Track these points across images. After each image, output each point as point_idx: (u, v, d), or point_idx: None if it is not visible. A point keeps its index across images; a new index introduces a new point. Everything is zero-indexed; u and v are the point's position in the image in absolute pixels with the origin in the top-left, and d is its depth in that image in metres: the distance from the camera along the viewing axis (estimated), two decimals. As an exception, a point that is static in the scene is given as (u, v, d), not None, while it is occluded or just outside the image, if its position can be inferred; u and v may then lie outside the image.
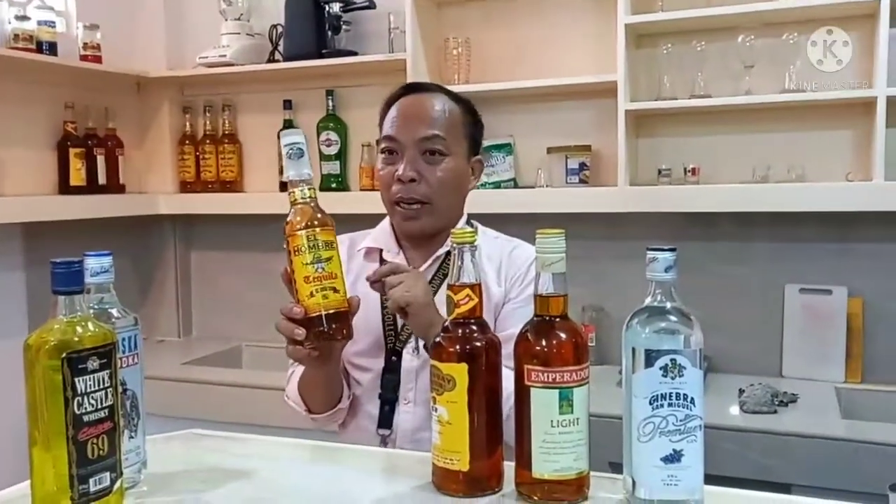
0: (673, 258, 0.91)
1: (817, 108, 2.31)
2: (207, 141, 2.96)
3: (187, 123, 3.00)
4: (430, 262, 1.49)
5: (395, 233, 1.54)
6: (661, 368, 0.89)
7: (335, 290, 1.12)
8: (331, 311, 1.12)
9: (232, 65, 2.78)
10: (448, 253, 1.43)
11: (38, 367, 0.87)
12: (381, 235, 1.55)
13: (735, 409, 2.04)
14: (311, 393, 1.45)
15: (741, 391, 2.11)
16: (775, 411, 2.01)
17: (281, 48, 2.80)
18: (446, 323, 1.01)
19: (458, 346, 0.98)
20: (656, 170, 2.40)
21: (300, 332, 1.13)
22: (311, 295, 1.11)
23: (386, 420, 1.46)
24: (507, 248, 1.51)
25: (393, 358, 1.46)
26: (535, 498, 0.95)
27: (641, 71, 2.46)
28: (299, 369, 1.46)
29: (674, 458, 0.90)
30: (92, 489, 0.89)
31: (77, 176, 2.62)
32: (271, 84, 2.89)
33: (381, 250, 1.53)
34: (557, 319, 0.96)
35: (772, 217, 2.35)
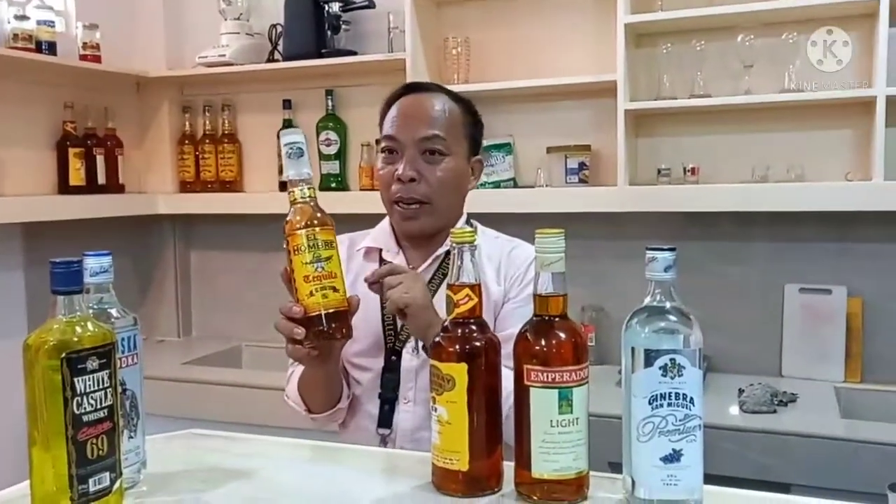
0: (672, 258, 0.91)
1: (817, 108, 2.31)
2: (207, 141, 2.96)
3: (187, 123, 3.00)
4: (429, 261, 1.49)
5: (394, 233, 1.54)
6: (660, 368, 0.89)
7: (335, 290, 1.12)
8: (330, 311, 1.12)
9: (231, 64, 2.78)
10: (448, 253, 1.43)
11: (38, 367, 0.87)
12: (380, 235, 1.55)
13: (734, 409, 2.04)
14: (310, 393, 1.45)
15: (741, 391, 2.11)
16: (775, 411, 2.01)
17: (280, 48, 2.80)
18: (446, 323, 1.01)
19: (457, 346, 0.98)
20: (656, 169, 2.40)
21: (300, 332, 1.13)
22: (311, 294, 1.11)
23: (386, 419, 1.46)
24: (506, 248, 1.52)
25: (392, 357, 1.46)
26: (535, 498, 0.95)
27: (641, 70, 2.46)
28: (299, 369, 1.46)
29: (673, 457, 0.90)
30: (91, 489, 0.89)
31: (76, 176, 2.62)
32: (271, 84, 2.89)
33: (380, 250, 1.53)
34: (557, 319, 0.96)
35: (771, 217, 2.35)
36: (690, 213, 2.39)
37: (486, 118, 1.57)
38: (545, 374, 0.93)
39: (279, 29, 2.80)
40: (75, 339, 0.87)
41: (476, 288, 1.00)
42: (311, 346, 1.20)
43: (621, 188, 2.33)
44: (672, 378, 0.89)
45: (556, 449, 0.93)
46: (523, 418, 0.95)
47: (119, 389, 0.94)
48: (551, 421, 0.93)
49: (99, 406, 0.89)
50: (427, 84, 1.60)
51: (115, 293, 1.00)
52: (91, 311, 0.94)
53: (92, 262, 0.96)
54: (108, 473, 0.90)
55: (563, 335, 0.95)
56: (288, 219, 1.12)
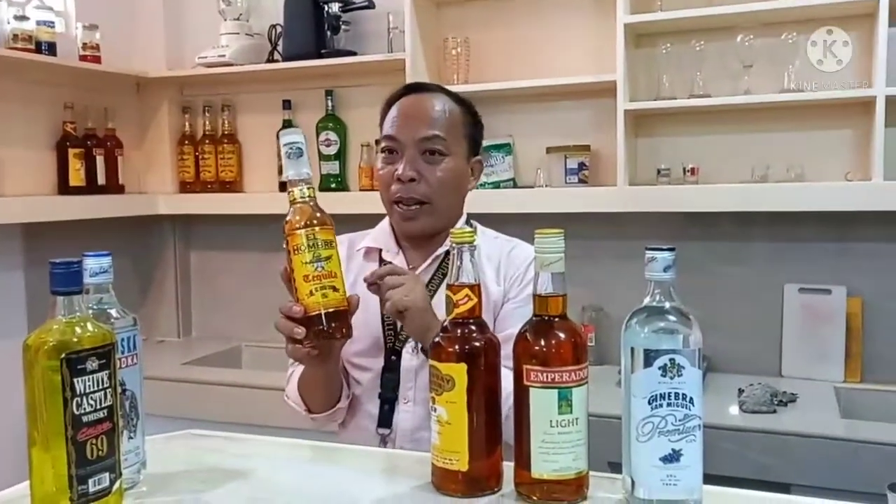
0: (672, 258, 0.91)
1: (816, 108, 2.31)
2: (207, 141, 2.96)
3: (186, 123, 3.00)
4: (429, 261, 1.49)
5: (394, 233, 1.54)
6: (659, 368, 0.89)
7: (335, 289, 1.12)
8: (330, 310, 1.12)
9: (231, 65, 2.78)
10: (447, 253, 1.43)
11: (37, 368, 0.87)
12: (380, 235, 1.55)
13: (734, 409, 2.04)
14: (310, 392, 1.46)
15: (740, 391, 2.11)
16: (774, 411, 2.01)
17: (280, 48, 2.80)
18: (445, 323, 1.01)
19: (457, 347, 0.98)
20: (655, 169, 2.40)
21: (300, 331, 1.13)
22: (311, 294, 1.11)
23: (385, 419, 1.46)
24: (506, 248, 1.52)
25: (392, 357, 1.46)
26: (535, 498, 0.95)
27: (640, 71, 2.46)
28: (299, 369, 1.46)
29: (673, 457, 0.90)
30: (91, 489, 0.89)
31: (76, 176, 2.62)
32: (270, 84, 2.89)
33: (380, 250, 1.53)
34: (556, 319, 0.96)
35: (771, 217, 2.36)
36: (690, 213, 2.39)
37: (486, 118, 1.57)
38: (545, 375, 0.93)
39: (279, 29, 2.80)
40: (75, 339, 0.87)
41: (475, 288, 1.00)
42: (310, 346, 1.20)
43: (621, 188, 2.33)
44: (671, 378, 0.89)
45: (556, 449, 0.93)
46: (523, 418, 0.95)
47: (119, 390, 0.94)
48: (551, 421, 0.93)
49: (98, 406, 0.89)
50: (427, 84, 1.60)
51: (114, 293, 1.00)
52: (91, 311, 0.94)
53: (91, 263, 0.96)
54: (107, 474, 0.90)
55: (562, 335, 0.95)
56: (287, 218, 1.12)
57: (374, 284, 1.30)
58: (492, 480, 1.00)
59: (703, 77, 2.36)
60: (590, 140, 2.50)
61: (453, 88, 1.65)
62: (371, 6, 2.68)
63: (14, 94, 2.51)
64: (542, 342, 0.95)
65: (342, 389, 1.47)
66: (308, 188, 1.13)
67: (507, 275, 1.48)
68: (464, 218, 1.54)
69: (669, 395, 0.89)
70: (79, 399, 0.87)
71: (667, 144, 2.48)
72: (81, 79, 2.68)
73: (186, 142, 2.99)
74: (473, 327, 1.00)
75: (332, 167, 2.78)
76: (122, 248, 2.88)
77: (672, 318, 0.91)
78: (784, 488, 1.82)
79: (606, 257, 2.51)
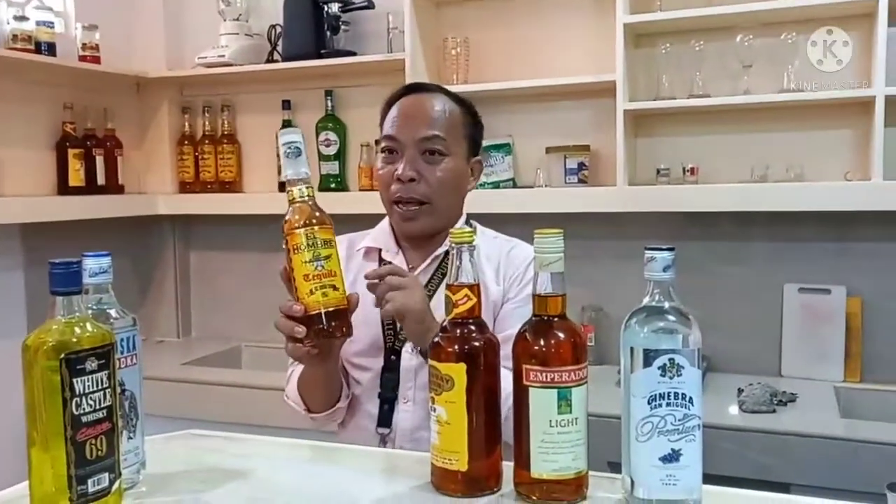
0: (671, 258, 0.91)
1: (816, 108, 2.31)
2: (206, 141, 2.96)
3: (186, 124, 3.00)
4: (428, 261, 1.49)
5: (394, 233, 1.54)
6: (659, 368, 0.89)
7: (334, 288, 1.12)
8: (330, 309, 1.12)
9: (231, 65, 2.78)
10: (447, 253, 1.43)
11: (37, 368, 0.87)
12: (380, 235, 1.55)
13: (734, 409, 2.04)
14: (310, 392, 1.46)
15: (740, 391, 2.11)
16: (774, 411, 2.01)
17: (280, 48, 2.80)
18: (445, 323, 1.01)
19: (456, 346, 0.98)
20: (655, 169, 2.40)
21: (300, 330, 1.13)
22: (311, 293, 1.11)
23: (385, 419, 1.46)
24: (505, 248, 1.52)
25: (392, 357, 1.46)
26: (534, 498, 0.95)
27: (640, 71, 2.46)
28: (298, 369, 1.46)
29: (672, 457, 0.90)
30: (90, 490, 0.89)
31: (76, 176, 2.62)
32: (270, 84, 2.89)
33: (379, 250, 1.53)
34: (556, 319, 0.96)
35: (770, 217, 2.36)
36: (690, 213, 2.39)
37: (486, 118, 1.57)
38: (544, 374, 0.93)
39: (278, 29, 2.80)
40: (74, 339, 0.87)
41: (475, 288, 1.00)
42: (310, 345, 1.20)
43: (620, 188, 2.33)
44: (671, 378, 0.89)
45: (556, 449, 0.93)
46: (522, 418, 0.95)
47: (118, 390, 0.94)
48: (550, 421, 0.93)
49: (98, 407, 0.89)
50: (427, 85, 1.60)
51: (114, 294, 1.00)
52: (90, 311, 0.94)
53: (91, 263, 0.96)
54: (107, 474, 0.90)
55: (562, 335, 0.95)
56: (287, 218, 1.12)
57: (375, 282, 1.30)
58: (491, 480, 1.00)
59: (703, 77, 2.36)
60: (589, 140, 2.50)
61: (453, 88, 1.65)
62: (370, 6, 2.68)
63: (14, 95, 2.51)
64: (542, 342, 0.95)
65: (342, 389, 1.47)
66: (307, 188, 1.13)
67: (506, 275, 1.48)
68: (463, 218, 1.55)
69: (669, 395, 0.89)
70: (78, 399, 0.87)
71: (666, 144, 2.48)
72: (81, 79, 2.68)
73: (186, 142, 2.99)
74: (473, 327, 1.00)
75: (332, 167, 2.78)
76: (121, 248, 2.88)
77: (671, 317, 0.91)
78: (784, 488, 1.82)
79: (606, 257, 2.51)
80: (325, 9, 2.68)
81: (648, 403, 0.90)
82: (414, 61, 2.51)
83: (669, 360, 0.89)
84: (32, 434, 0.88)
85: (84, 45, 2.64)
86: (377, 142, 1.54)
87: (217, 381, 2.52)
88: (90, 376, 0.88)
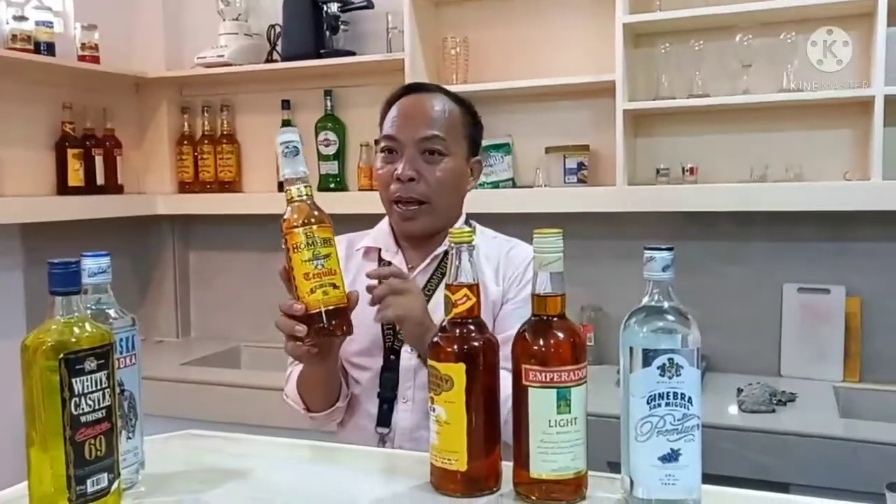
0: (670, 257, 0.91)
1: (815, 108, 2.31)
2: (206, 141, 2.96)
3: (185, 124, 3.00)
4: (428, 261, 1.49)
5: (393, 232, 1.54)
6: (658, 368, 0.89)
7: (335, 286, 1.12)
8: (330, 307, 1.12)
9: (230, 65, 2.78)
10: (446, 252, 1.43)
11: (36, 368, 0.87)
12: (379, 235, 1.55)
13: (733, 409, 2.04)
14: (310, 391, 1.46)
15: (739, 390, 2.11)
16: (773, 410, 2.01)
17: (279, 48, 2.80)
18: (444, 323, 1.01)
19: (455, 346, 0.98)
20: (654, 169, 2.40)
21: (301, 329, 1.13)
22: (312, 291, 1.11)
23: (385, 418, 1.46)
24: (504, 248, 1.52)
25: (391, 357, 1.46)
26: (533, 498, 0.95)
27: (639, 70, 2.46)
28: (297, 368, 1.46)
29: (671, 457, 0.90)
30: (89, 490, 0.89)
31: (75, 176, 2.62)
32: (269, 84, 2.89)
33: (379, 250, 1.53)
34: (555, 319, 0.96)
35: (770, 216, 2.36)
36: (689, 212, 2.39)
37: (485, 118, 1.57)
38: (543, 374, 0.93)
39: (278, 29, 2.80)
40: (73, 339, 0.87)
41: (474, 288, 1.00)
42: (311, 344, 1.20)
43: (620, 188, 2.33)
44: (670, 378, 0.89)
45: (555, 449, 0.93)
46: (522, 418, 0.95)
47: (117, 390, 0.94)
48: (549, 421, 0.93)
49: (97, 407, 0.89)
50: (427, 85, 1.61)
51: (113, 294, 1.00)
52: (89, 311, 0.94)
53: (90, 263, 0.96)
54: (106, 474, 0.90)
55: (561, 335, 0.95)
56: (285, 217, 1.12)
57: (375, 283, 1.30)
58: (490, 480, 1.00)
59: (702, 77, 2.36)
60: (589, 140, 2.50)
61: (452, 88, 1.65)
62: (370, 6, 2.68)
63: (13, 95, 2.51)
64: (541, 342, 0.95)
65: (341, 389, 1.47)
66: (305, 186, 1.13)
67: (506, 275, 1.48)
68: (463, 218, 1.55)
69: (668, 395, 0.89)
70: (77, 399, 0.87)
71: (666, 144, 2.48)
72: (80, 79, 2.68)
73: (185, 142, 2.98)
74: (472, 327, 1.00)
75: (331, 167, 2.78)
76: (120, 248, 2.88)
77: (671, 317, 0.91)
78: (783, 488, 1.83)
79: (605, 257, 2.51)
80: (325, 8, 2.68)
81: (648, 403, 0.90)
82: (413, 61, 2.51)
83: (668, 359, 0.89)
84: (31, 434, 0.88)
85: (83, 44, 2.64)
86: (377, 142, 1.54)
87: (216, 381, 2.52)
88: (89, 376, 0.88)
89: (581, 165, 2.46)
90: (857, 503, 1.03)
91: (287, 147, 1.13)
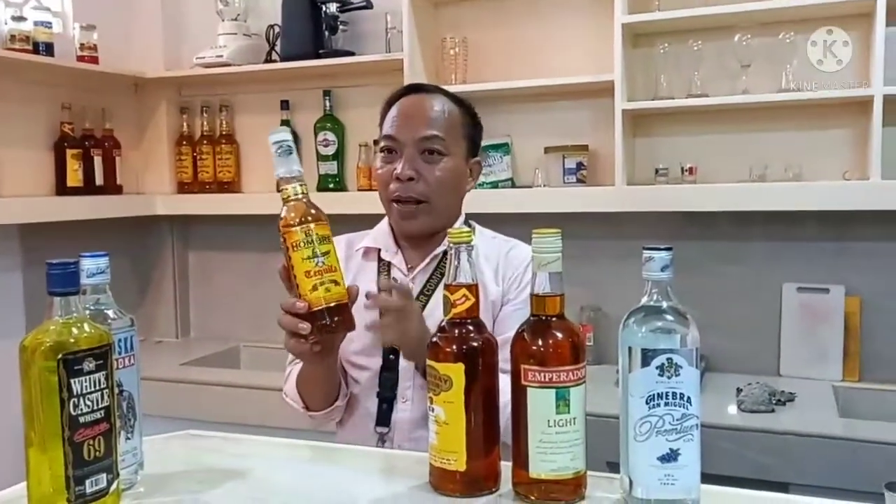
0: (669, 257, 0.91)
1: (814, 108, 2.31)
2: (205, 141, 2.96)
3: (184, 124, 3.00)
4: (427, 261, 1.49)
5: (393, 233, 1.54)
6: (657, 368, 0.89)
7: (335, 283, 1.12)
8: (332, 304, 1.12)
9: (229, 65, 2.78)
10: (445, 252, 1.43)
11: (34, 369, 0.87)
12: (379, 235, 1.56)
13: (733, 408, 2.04)
14: (309, 389, 1.46)
15: (739, 390, 2.11)
16: (773, 410, 2.01)
17: (278, 48, 2.80)
18: (443, 323, 1.01)
19: (454, 346, 0.98)
20: (653, 169, 2.40)
21: (305, 327, 1.13)
22: (314, 289, 1.11)
23: (384, 418, 1.46)
24: (504, 249, 1.52)
25: (391, 356, 1.46)
26: (532, 498, 0.95)
27: (638, 70, 2.46)
28: (297, 367, 1.46)
29: (670, 457, 0.90)
30: (88, 490, 0.89)
31: (74, 177, 2.62)
32: (268, 84, 2.89)
33: (378, 250, 1.53)
34: (554, 319, 0.96)
35: (769, 216, 2.36)
36: (688, 212, 2.39)
37: (484, 118, 1.57)
38: (542, 374, 0.93)
39: (277, 29, 2.80)
40: (72, 340, 0.87)
41: (473, 288, 1.00)
42: (314, 341, 1.20)
43: (619, 188, 2.33)
44: (669, 378, 0.89)
45: (554, 449, 0.93)
46: (521, 418, 0.95)
47: (116, 390, 0.94)
48: (548, 421, 0.93)
49: (96, 407, 0.89)
50: (427, 85, 1.61)
51: (112, 294, 0.99)
52: (88, 312, 0.94)
53: (88, 264, 0.96)
54: (104, 475, 0.90)
55: (560, 335, 0.95)
56: (282, 216, 1.12)
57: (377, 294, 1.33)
58: (490, 480, 1.00)
59: (701, 77, 2.36)
60: (588, 140, 2.50)
61: (451, 88, 1.66)
62: (369, 6, 2.68)
63: (12, 95, 2.51)
64: (540, 342, 0.95)
65: (340, 387, 1.47)
66: (301, 185, 1.13)
67: (505, 275, 1.49)
68: (462, 218, 1.55)
69: (667, 395, 0.89)
70: (76, 400, 0.87)
71: (665, 144, 2.48)
72: (79, 79, 2.68)
73: (184, 142, 2.98)
74: (471, 327, 1.00)
75: (331, 167, 2.78)
76: (120, 248, 2.88)
77: (669, 317, 0.91)
78: (782, 488, 1.83)
79: (604, 257, 2.51)
80: (324, 9, 2.67)
81: (647, 403, 0.90)
82: (412, 61, 2.51)
83: (667, 359, 0.89)
84: (30, 435, 0.88)
85: (82, 45, 2.63)
86: (376, 142, 1.54)
87: (216, 381, 2.52)
88: (88, 377, 0.88)
89: (580, 165, 2.46)
90: (856, 503, 1.03)
91: (280, 147, 1.13)
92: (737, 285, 2.43)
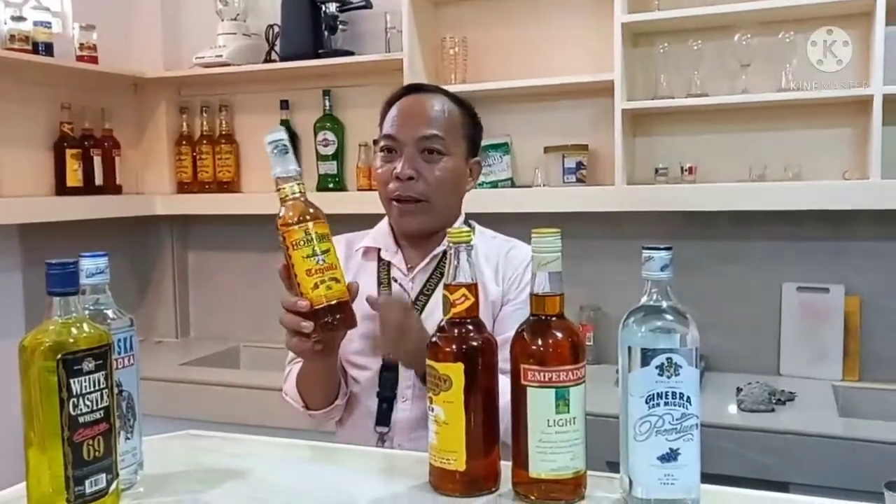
0: (668, 257, 0.91)
1: (814, 107, 2.31)
2: (204, 141, 2.96)
3: (184, 124, 3.00)
4: (427, 260, 1.49)
5: (393, 232, 1.54)
6: (657, 367, 0.89)
7: (336, 281, 1.12)
8: (333, 302, 1.12)
9: (228, 65, 2.78)
10: (445, 252, 1.42)
11: (34, 369, 0.86)
12: (379, 235, 1.56)
13: (733, 408, 2.04)
14: (310, 388, 1.46)
15: (739, 390, 2.11)
16: (773, 410, 2.01)
17: (277, 48, 2.80)
18: (442, 323, 1.01)
19: (454, 346, 0.98)
20: (653, 169, 2.40)
21: (308, 325, 1.13)
22: (315, 287, 1.11)
23: (384, 417, 1.46)
24: (504, 248, 1.52)
25: (391, 356, 1.46)
26: (532, 498, 0.95)
27: (638, 70, 2.46)
28: (297, 367, 1.46)
29: (670, 456, 0.90)
30: (88, 490, 0.89)
31: (74, 177, 2.62)
32: (268, 84, 2.89)
33: (378, 249, 1.54)
34: (553, 319, 0.96)
35: (769, 216, 2.35)
36: (688, 212, 2.39)
37: (484, 118, 1.57)
38: (542, 374, 0.93)
39: (276, 29, 2.80)
40: (71, 340, 0.87)
41: (473, 288, 1.00)
42: (316, 339, 1.20)
43: (619, 188, 2.33)
44: (669, 377, 0.89)
45: (554, 449, 0.93)
46: (520, 418, 0.95)
47: (115, 391, 0.94)
48: (548, 420, 0.93)
49: (95, 407, 0.89)
50: (427, 85, 1.61)
51: (112, 294, 0.99)
52: (87, 312, 0.94)
53: (88, 264, 0.96)
54: (104, 475, 0.90)
55: (559, 335, 0.95)
56: (281, 215, 1.12)
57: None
58: (489, 480, 1.00)
59: (701, 76, 2.36)
60: (588, 139, 2.50)
61: (451, 88, 1.66)
62: (368, 6, 2.68)
63: (11, 95, 2.51)
64: (540, 342, 0.95)
65: (340, 386, 1.47)
66: (298, 184, 1.13)
67: (505, 275, 1.49)
68: (462, 218, 1.55)
69: (667, 395, 0.89)
70: (75, 400, 0.87)
71: (664, 144, 2.48)
72: (78, 79, 2.68)
73: (184, 142, 2.98)
74: (470, 327, 0.99)
75: (330, 167, 2.78)
76: (119, 248, 2.88)
77: (669, 317, 0.91)
78: (782, 487, 1.83)
79: (604, 257, 2.51)
80: (323, 8, 2.67)
81: (646, 403, 0.90)
82: (412, 61, 2.51)
83: (667, 359, 0.89)
84: (30, 435, 0.88)
85: (81, 45, 2.63)
86: (376, 141, 1.54)
87: (215, 381, 2.52)
88: (87, 377, 0.88)
89: (580, 165, 2.46)
90: (856, 502, 1.03)
91: (276, 146, 1.13)
92: (737, 285, 2.43)
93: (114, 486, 0.92)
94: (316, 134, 2.78)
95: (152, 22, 2.97)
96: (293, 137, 2.82)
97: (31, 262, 2.59)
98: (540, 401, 0.93)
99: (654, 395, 0.89)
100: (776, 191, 2.24)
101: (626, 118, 2.35)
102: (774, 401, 2.05)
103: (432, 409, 0.99)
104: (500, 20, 2.61)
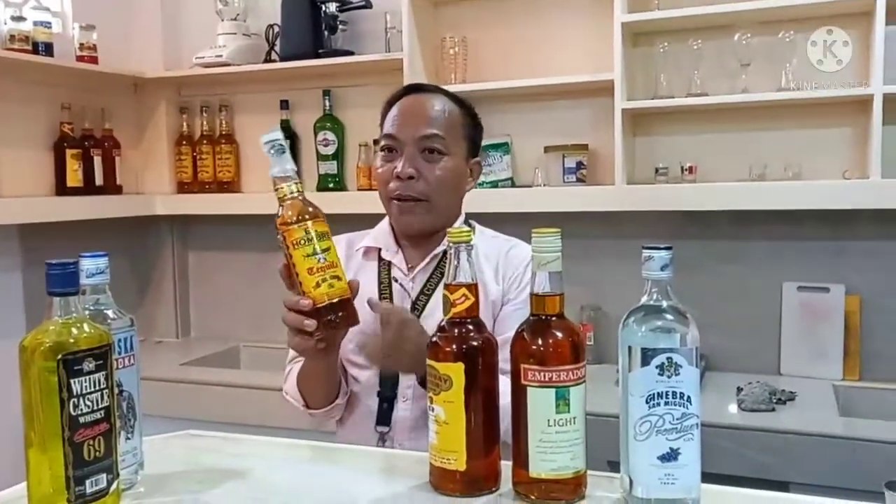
0: (668, 256, 0.91)
1: (814, 106, 2.31)
2: (204, 141, 2.96)
3: (184, 124, 3.00)
4: (427, 260, 1.49)
5: (393, 232, 1.54)
6: (657, 367, 0.89)
7: (338, 279, 1.13)
8: (335, 300, 1.12)
9: (228, 65, 2.78)
10: (445, 252, 1.43)
11: (34, 369, 0.87)
12: (379, 235, 1.56)
13: (733, 408, 2.04)
14: (310, 387, 1.46)
15: (739, 389, 2.11)
16: (773, 409, 2.01)
17: (277, 48, 2.80)
18: (443, 322, 1.01)
19: (454, 346, 0.98)
20: (653, 168, 2.40)
21: (311, 324, 1.13)
22: (317, 285, 1.11)
23: (384, 417, 1.46)
24: (504, 248, 1.52)
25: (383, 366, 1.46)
26: (533, 497, 0.95)
27: (638, 69, 2.46)
28: (297, 366, 1.46)
29: (670, 456, 0.90)
30: (88, 490, 0.89)
31: (74, 177, 2.62)
32: (268, 84, 2.89)
33: (379, 249, 1.54)
34: (554, 318, 0.96)
35: (769, 215, 2.35)
36: (688, 212, 2.39)
37: (484, 118, 1.57)
38: (542, 374, 0.93)
39: (276, 29, 2.80)
40: (71, 340, 0.87)
41: (473, 287, 1.00)
42: (319, 337, 1.20)
43: (619, 187, 2.33)
44: (669, 377, 0.89)
45: (554, 448, 0.93)
46: (521, 418, 0.95)
47: (116, 391, 0.94)
48: (548, 420, 0.93)
49: (95, 407, 0.89)
50: (428, 85, 1.62)
51: (112, 294, 0.99)
52: (87, 312, 0.94)
53: (88, 264, 0.96)
54: (104, 475, 0.90)
55: (559, 334, 0.95)
56: (279, 215, 1.12)
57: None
58: (490, 480, 1.00)
59: (701, 76, 2.36)
60: (588, 139, 2.50)
61: (451, 88, 1.66)
62: (368, 6, 2.68)
63: (11, 95, 2.51)
64: (540, 341, 0.95)
65: (340, 385, 1.47)
66: (296, 184, 1.13)
67: (505, 275, 1.49)
68: (462, 218, 1.55)
69: (667, 394, 0.89)
70: (75, 400, 0.87)
71: (664, 143, 2.48)
72: (78, 79, 2.68)
73: (184, 142, 2.98)
74: (471, 327, 0.99)
75: (330, 167, 2.78)
76: (119, 248, 2.88)
77: (669, 316, 0.91)
78: (783, 487, 1.83)
79: (604, 256, 2.51)
80: (323, 8, 2.67)
81: (647, 402, 0.90)
82: (412, 61, 2.51)
83: (667, 359, 0.89)
84: (30, 435, 0.88)
85: (81, 45, 2.63)
86: (376, 141, 1.54)
87: (215, 381, 2.52)
88: (87, 377, 0.88)
89: (580, 165, 2.46)
90: (856, 502, 1.03)
91: (273, 146, 1.13)
92: (737, 284, 2.43)
93: (114, 486, 0.92)
94: (316, 134, 2.78)
95: (152, 22, 2.97)
96: (292, 137, 2.82)
97: (31, 263, 2.59)
98: (540, 400, 0.93)
99: (654, 394, 0.89)
100: (776, 190, 2.24)
101: (626, 118, 2.35)
102: (775, 400, 2.05)
103: (433, 409, 0.99)
104: (500, 20, 2.61)
